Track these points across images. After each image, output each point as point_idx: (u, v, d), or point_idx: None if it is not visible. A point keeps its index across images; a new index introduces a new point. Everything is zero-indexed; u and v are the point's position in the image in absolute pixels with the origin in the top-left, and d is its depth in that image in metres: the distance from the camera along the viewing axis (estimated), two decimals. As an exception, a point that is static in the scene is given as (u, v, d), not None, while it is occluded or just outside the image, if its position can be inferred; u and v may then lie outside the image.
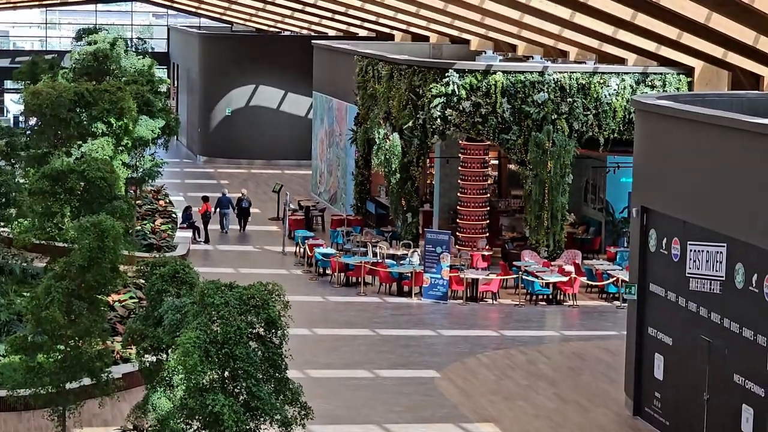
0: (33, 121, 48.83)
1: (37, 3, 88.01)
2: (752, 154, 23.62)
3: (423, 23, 58.28)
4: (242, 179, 59.08)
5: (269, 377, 19.25)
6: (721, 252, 25.26)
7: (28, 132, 48.92)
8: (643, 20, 37.53)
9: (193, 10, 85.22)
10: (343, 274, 40.94)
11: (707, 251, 25.83)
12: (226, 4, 71.77)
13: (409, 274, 39.12)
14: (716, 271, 25.20)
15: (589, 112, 42.02)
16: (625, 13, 37.13)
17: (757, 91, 38.43)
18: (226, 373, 18.84)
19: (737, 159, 24.38)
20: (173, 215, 52.18)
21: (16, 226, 38.74)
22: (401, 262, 40.79)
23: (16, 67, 76.47)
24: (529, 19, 44.17)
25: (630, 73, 43.18)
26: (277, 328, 18.86)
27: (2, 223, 38.68)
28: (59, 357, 22.22)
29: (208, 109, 67.90)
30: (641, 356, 27.69)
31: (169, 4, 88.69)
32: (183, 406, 18.83)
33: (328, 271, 41.67)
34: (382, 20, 62.57)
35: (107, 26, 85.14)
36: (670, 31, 38.54)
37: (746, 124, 23.63)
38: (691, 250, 26.08)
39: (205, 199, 46.77)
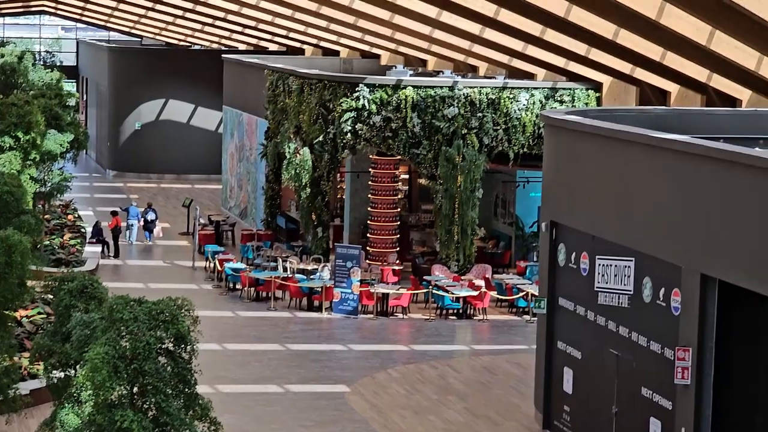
0: None
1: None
2: (658, 169, 24.01)
3: (333, 38, 58.59)
4: (152, 194, 59.08)
5: (179, 393, 18.94)
6: (629, 266, 25.48)
7: None
8: (552, 36, 37.95)
9: (103, 23, 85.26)
10: (253, 289, 40.86)
11: (615, 265, 26.03)
12: (135, 18, 71.81)
13: (320, 289, 39.00)
14: (624, 285, 25.45)
15: (498, 127, 42.36)
16: (534, 28, 37.59)
17: (664, 107, 39.21)
18: (135, 389, 18.50)
19: (644, 174, 24.70)
20: (82, 230, 52.00)
21: None
22: (311, 276, 40.71)
23: None
24: (439, 35, 44.57)
25: (539, 88, 43.51)
26: (186, 344, 18.57)
27: None
28: (-35, 373, 21.22)
29: (118, 123, 67.65)
30: (551, 370, 27.81)
31: (78, 17, 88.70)
32: (91, 422, 18.48)
33: (239, 286, 41.55)
34: (292, 35, 62.82)
35: (15, 39, 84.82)
36: (578, 47, 39.03)
37: (653, 139, 23.97)
38: (599, 265, 26.24)
39: (114, 213, 46.33)
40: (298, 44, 67.45)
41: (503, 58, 46.22)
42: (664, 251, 23.38)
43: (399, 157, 43.35)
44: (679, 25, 31.10)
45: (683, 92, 40.47)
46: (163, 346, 18.47)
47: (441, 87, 42.61)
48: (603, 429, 23.32)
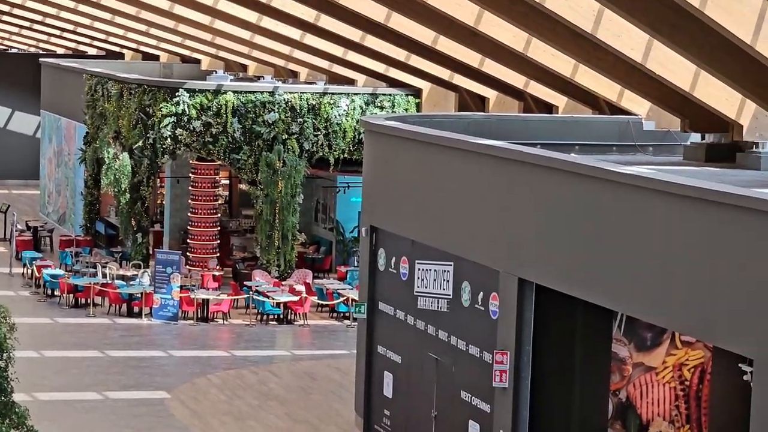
0: None
1: None
2: (477, 175, 24.09)
3: (153, 42, 58.07)
4: (-33, 199, 57.48)
5: None
6: (448, 271, 25.47)
7: None
8: (373, 42, 38.07)
9: None
10: (72, 295, 40.09)
11: (435, 270, 26.03)
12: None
13: (139, 295, 38.60)
14: (443, 289, 25.47)
15: (319, 132, 42.37)
16: (354, 34, 37.70)
17: (483, 113, 39.73)
18: None
19: (462, 179, 24.80)
20: None
21: None
22: (131, 282, 40.20)
23: None
24: (259, 40, 44.50)
25: (359, 93, 43.78)
26: (2, 351, 18.16)
27: None
28: None
29: (-68, 127, 65.95)
30: (371, 374, 27.88)
31: None
32: None
33: (57, 293, 40.69)
34: (111, 39, 61.80)
35: None
36: (398, 53, 39.12)
37: (470, 144, 24.10)
38: (419, 269, 26.26)
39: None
40: (117, 48, 66.76)
41: (324, 64, 46.50)
42: (481, 256, 23.49)
43: (219, 162, 43.16)
44: (496, 32, 31.30)
45: (501, 98, 41.00)
46: None
47: (261, 92, 42.49)
48: (423, 432, 23.24)
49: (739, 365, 20.83)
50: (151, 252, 43.70)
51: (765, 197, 17.60)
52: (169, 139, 41.17)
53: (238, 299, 39.07)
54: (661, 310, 20.74)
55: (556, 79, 35.29)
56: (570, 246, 21.86)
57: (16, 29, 67.15)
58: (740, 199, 17.17)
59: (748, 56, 25.24)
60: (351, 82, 45.95)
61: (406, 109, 42.96)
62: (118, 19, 50.65)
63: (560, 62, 33.31)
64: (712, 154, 30.52)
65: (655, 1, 24.88)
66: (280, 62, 49.68)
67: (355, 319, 33.56)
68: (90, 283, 39.51)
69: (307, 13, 36.87)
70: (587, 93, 36.14)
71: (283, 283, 40.23)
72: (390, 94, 43.42)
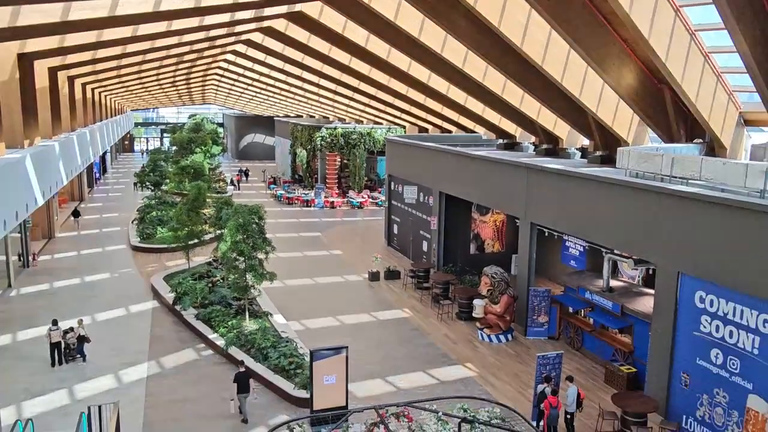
0: (174, 147, 71.42)
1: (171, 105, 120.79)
2: (429, 155, 38.87)
3: (307, 108, 78.47)
4: None
5: (263, 238, 28.79)
6: (413, 189, 42.65)
7: (172, 150, 70.08)
8: (385, 103, 53.82)
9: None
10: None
11: (408, 188, 43.92)
12: None
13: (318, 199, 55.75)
14: (411, 195, 41.60)
15: (370, 141, 64.71)
16: (383, 98, 53.19)
17: (429, 134, 52.92)
18: (243, 236, 29.02)
19: (425, 160, 38.81)
20: (227, 180, 75.05)
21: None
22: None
23: (164, 128, 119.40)
24: (342, 100, 62.95)
25: (382, 126, 61.97)
26: (260, 218, 28.12)
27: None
28: None
29: None
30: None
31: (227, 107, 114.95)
32: (229, 248, 30.08)
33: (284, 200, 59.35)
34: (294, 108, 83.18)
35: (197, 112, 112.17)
36: (399, 112, 55.68)
37: (426, 144, 38.44)
38: (402, 188, 42.17)
39: None
40: (297, 113, 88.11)
41: (370, 116, 66.08)
42: (422, 180, 37.72)
43: (337, 153, 63.34)
44: (441, 85, 44.37)
45: (445, 129, 54.76)
46: (256, 222, 31.53)
47: (351, 127, 61.26)
48: None
49: (515, 219, 37.14)
50: (313, 184, 66.35)
51: (569, 169, 31.38)
52: (319, 144, 67.49)
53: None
54: (497, 203, 38.28)
55: (472, 115, 47.06)
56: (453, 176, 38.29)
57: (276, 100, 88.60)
58: (565, 172, 31.70)
59: (569, 99, 34.42)
60: (379, 123, 68.49)
61: (399, 133, 61.59)
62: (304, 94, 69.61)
63: (474, 104, 45.68)
64: (548, 153, 42.88)
65: (517, 64, 33.83)
66: (354, 115, 72.78)
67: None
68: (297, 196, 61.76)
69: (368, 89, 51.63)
70: (488, 123, 46.60)
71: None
72: (393, 127, 65.50)
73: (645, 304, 31.45)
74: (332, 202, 69.20)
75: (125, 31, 33.75)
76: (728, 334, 24.75)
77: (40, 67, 40.34)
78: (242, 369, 27.90)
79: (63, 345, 31.21)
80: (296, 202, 71.55)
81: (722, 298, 25.07)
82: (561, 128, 40.81)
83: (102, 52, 42.40)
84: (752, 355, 24.07)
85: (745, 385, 24.36)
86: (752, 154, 27.87)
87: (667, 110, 31.72)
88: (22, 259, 43.99)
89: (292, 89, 71.65)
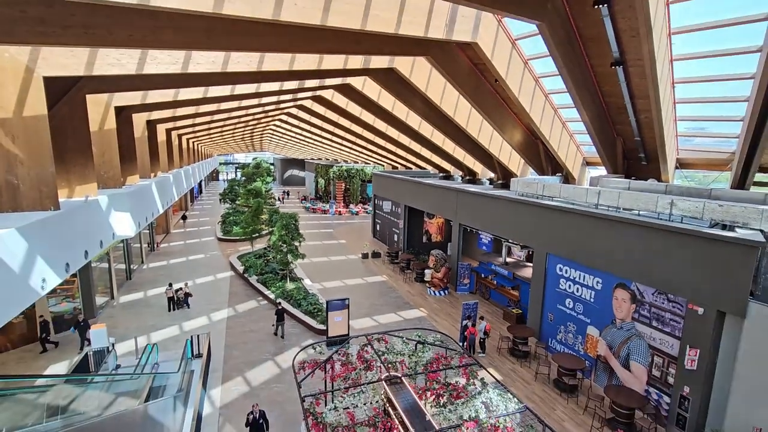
0: (243, 177, 60.32)
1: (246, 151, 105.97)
2: (403, 186, 35.74)
3: (319, 152, 72.61)
4: None
5: (297, 234, 27.08)
6: (396, 204, 38.87)
7: (242, 179, 61.27)
8: (375, 150, 47.45)
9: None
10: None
11: (389, 203, 40.03)
12: None
13: None
14: (393, 209, 37.97)
15: (362, 175, 60.65)
16: (374, 149, 47.57)
17: (405, 170, 48.03)
18: (285, 231, 27.18)
19: (401, 188, 36.37)
20: (276, 197, 69.21)
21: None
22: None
23: (237, 165, 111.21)
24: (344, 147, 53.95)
25: (370, 165, 59.05)
26: (296, 221, 26.57)
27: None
28: None
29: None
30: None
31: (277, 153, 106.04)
32: (277, 239, 28.21)
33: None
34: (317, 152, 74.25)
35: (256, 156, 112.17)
36: (382, 154, 48.79)
37: (401, 178, 35.76)
38: (384, 203, 39.21)
39: None
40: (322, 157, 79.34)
41: (362, 157, 57.64)
42: (415, 204, 34.41)
43: (343, 181, 60.57)
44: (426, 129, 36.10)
45: (421, 167, 46.73)
46: (293, 222, 30.45)
47: (350, 165, 59.92)
48: None
49: (450, 221, 36.08)
50: (329, 200, 63.19)
51: (482, 191, 29.61)
52: (332, 175, 64.02)
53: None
54: (439, 211, 34.52)
55: (446, 155, 38.95)
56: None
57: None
58: (517, 199, 27.75)
59: (482, 149, 32.29)
60: (368, 162, 63.81)
61: (380, 170, 55.34)
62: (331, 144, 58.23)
63: (448, 145, 37.69)
64: (470, 181, 37.90)
65: (451, 127, 31.22)
66: (353, 157, 65.78)
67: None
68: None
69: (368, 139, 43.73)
70: (454, 159, 38.77)
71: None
72: (377, 165, 59.62)
73: (527, 272, 31.21)
74: (340, 211, 67.08)
75: (198, 92, 31.05)
76: (576, 290, 24.97)
77: (160, 128, 40.43)
78: (280, 307, 28.42)
79: (175, 298, 31.00)
80: (318, 211, 68.95)
81: (572, 268, 25.19)
82: (479, 166, 38.50)
83: (180, 111, 40.45)
84: (590, 302, 24.35)
85: (585, 320, 24.63)
86: (590, 182, 27.34)
87: (540, 155, 30.95)
88: (150, 245, 43.54)
89: (318, 139, 63.01)
